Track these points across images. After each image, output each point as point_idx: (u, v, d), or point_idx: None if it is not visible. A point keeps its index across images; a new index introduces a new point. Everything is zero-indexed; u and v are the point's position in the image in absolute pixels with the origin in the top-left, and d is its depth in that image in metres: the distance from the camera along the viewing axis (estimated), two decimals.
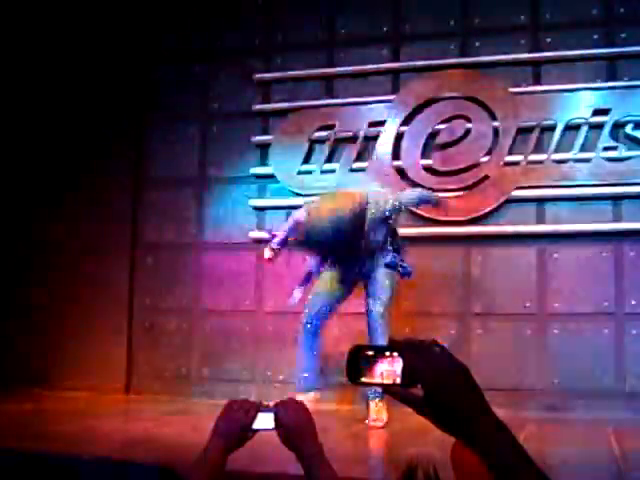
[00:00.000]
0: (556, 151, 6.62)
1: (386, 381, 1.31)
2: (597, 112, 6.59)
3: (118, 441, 4.97)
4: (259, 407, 2.10)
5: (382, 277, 5.65)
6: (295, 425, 2.05)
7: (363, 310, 5.63)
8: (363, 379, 1.34)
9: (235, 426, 2.08)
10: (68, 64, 7.86)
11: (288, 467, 3.10)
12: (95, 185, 7.70)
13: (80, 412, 6.27)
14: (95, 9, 7.79)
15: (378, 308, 5.58)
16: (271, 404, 2.11)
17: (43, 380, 7.36)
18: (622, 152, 6.48)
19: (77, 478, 3.78)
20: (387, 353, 1.32)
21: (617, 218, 6.52)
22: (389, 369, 1.31)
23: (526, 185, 6.70)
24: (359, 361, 1.35)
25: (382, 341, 5.23)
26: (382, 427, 5.42)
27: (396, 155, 7.01)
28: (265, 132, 7.46)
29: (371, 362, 1.34)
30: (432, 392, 1.25)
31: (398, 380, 1.29)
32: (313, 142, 7.21)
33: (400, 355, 1.29)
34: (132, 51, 7.84)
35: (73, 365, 7.48)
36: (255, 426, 2.07)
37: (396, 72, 7.22)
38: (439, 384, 1.24)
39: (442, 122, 6.94)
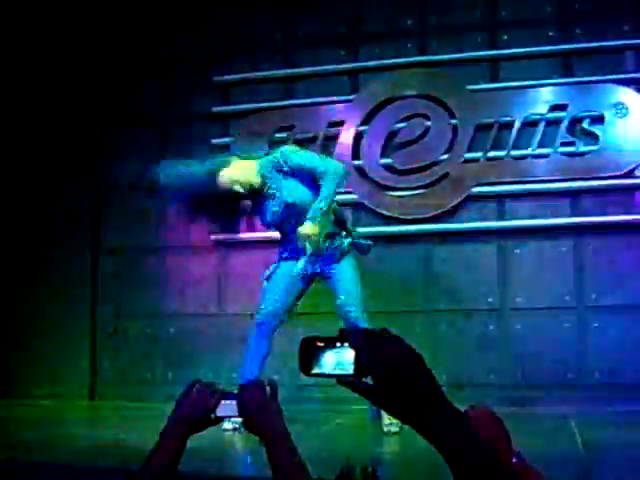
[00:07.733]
0: (514, 147, 6.67)
1: (338, 372, 1.31)
2: (554, 108, 6.65)
3: (83, 448, 4.93)
4: (223, 393, 2.00)
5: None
6: (256, 411, 1.95)
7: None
8: (315, 370, 1.34)
9: (197, 410, 1.98)
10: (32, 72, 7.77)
11: None
12: (56, 189, 7.65)
13: (44, 419, 6.22)
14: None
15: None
16: (235, 391, 2.01)
17: (5, 388, 7.29)
18: (579, 147, 6.55)
19: None
20: (338, 344, 1.32)
21: (576, 213, 6.59)
22: (341, 360, 1.30)
23: (486, 182, 6.76)
24: (310, 353, 1.35)
25: None
26: (398, 432, 4.84)
27: (356, 155, 7.02)
28: (225, 134, 7.45)
29: (322, 353, 1.34)
30: (383, 382, 1.23)
31: (350, 371, 1.28)
32: (273, 143, 7.17)
33: (351, 345, 1.29)
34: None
35: (36, 372, 7.40)
36: (219, 413, 1.98)
37: (355, 72, 7.23)
38: (390, 373, 1.23)
39: (401, 121, 6.96)
